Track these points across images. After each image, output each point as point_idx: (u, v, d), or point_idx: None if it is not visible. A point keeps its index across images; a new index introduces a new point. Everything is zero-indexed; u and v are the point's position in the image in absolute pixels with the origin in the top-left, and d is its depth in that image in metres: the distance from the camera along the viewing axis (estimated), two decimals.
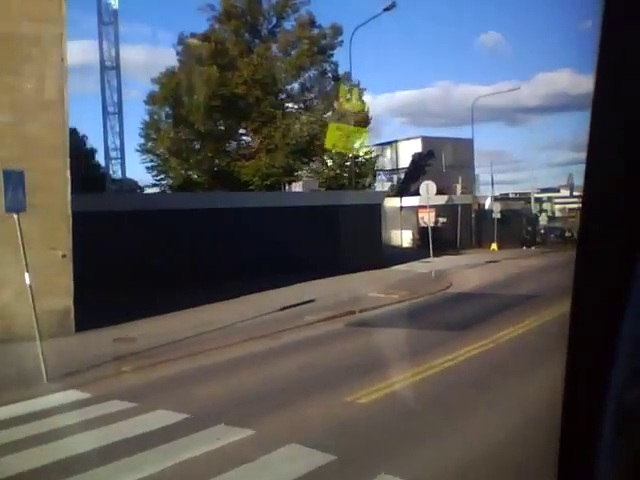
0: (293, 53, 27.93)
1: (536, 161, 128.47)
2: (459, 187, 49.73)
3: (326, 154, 26.64)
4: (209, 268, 16.68)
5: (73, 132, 39.77)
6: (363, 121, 30.14)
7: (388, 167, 55.63)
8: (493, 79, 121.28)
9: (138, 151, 37.27)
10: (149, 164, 35.84)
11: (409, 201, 35.71)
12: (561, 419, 0.85)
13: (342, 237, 21.43)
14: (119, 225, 16.35)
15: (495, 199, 37.94)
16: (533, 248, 38.52)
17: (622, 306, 0.75)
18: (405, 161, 54.17)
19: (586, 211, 0.83)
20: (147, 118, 34.05)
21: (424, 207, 34.82)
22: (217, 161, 30.67)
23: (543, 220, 49.76)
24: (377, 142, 57.05)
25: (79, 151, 36.53)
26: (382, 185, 23.52)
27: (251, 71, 26.21)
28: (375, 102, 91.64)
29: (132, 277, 14.94)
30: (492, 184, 73.51)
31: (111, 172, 39.92)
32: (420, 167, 43.38)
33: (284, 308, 12.98)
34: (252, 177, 28.84)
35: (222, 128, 29.41)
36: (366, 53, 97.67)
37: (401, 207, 35.54)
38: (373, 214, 23.08)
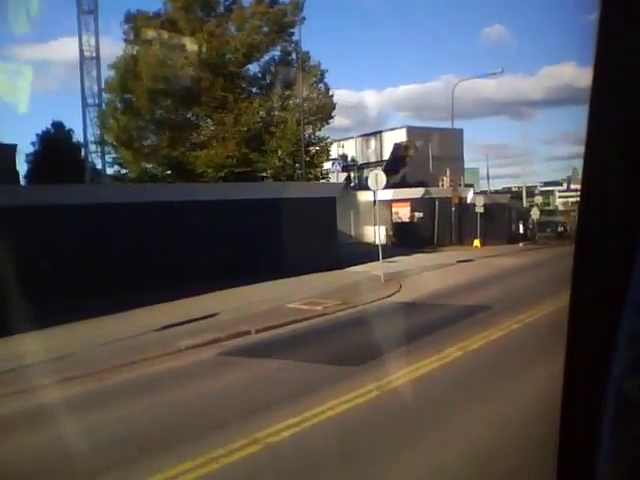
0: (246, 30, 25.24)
1: (540, 154, 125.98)
2: (446, 179, 47.19)
3: (275, 141, 24.04)
4: (102, 273, 14.12)
5: (59, 125, 37.70)
6: (327, 107, 27.55)
7: (372, 159, 52.99)
8: (497, 72, 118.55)
9: (93, 143, 34.85)
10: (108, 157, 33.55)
11: (383, 194, 33.00)
12: (561, 410, 0.85)
13: (289, 235, 18.90)
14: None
15: (478, 192, 35.21)
16: (521, 244, 35.95)
17: (620, 299, 0.75)
18: (389, 153, 51.54)
19: (585, 206, 0.84)
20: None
21: (399, 201, 32.25)
22: (170, 151, 28.08)
23: (535, 214, 47.06)
24: (361, 133, 54.61)
25: (63, 144, 34.33)
26: (337, 176, 20.98)
27: (198, 51, 23.61)
28: (379, 97, 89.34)
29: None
30: (488, 178, 70.96)
31: (90, 164, 37.63)
32: (400, 158, 40.69)
33: (166, 327, 10.46)
34: (206, 168, 26.29)
35: (172, 116, 26.82)
36: (369, 48, 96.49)
37: (375, 201, 32.84)
38: (327, 208, 20.53)
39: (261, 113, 23.87)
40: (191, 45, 23.82)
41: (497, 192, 59.08)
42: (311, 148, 22.93)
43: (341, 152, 56.23)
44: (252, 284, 15.48)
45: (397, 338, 9.54)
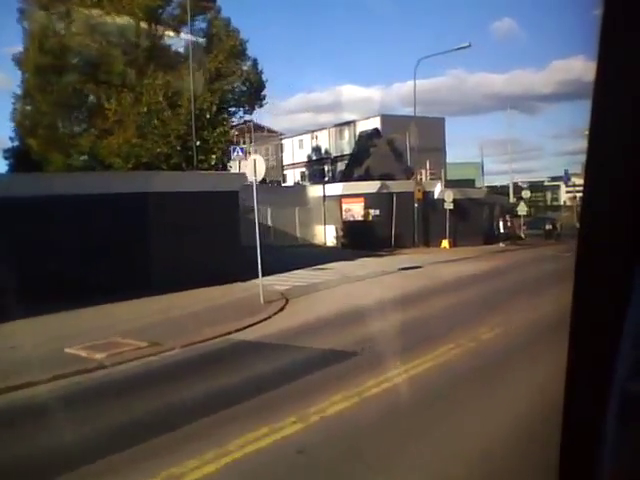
0: None
1: (549, 149, 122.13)
2: (424, 172, 43.00)
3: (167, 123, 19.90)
4: None
5: None
6: (254, 84, 23.43)
7: (347, 151, 48.78)
8: (507, 67, 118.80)
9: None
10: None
11: (333, 189, 28.89)
12: (563, 410, 0.85)
13: (164, 240, 14.87)
14: None
15: (447, 186, 30.98)
16: (501, 244, 31.67)
17: (624, 300, 0.75)
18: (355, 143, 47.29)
19: (587, 202, 0.82)
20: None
21: (351, 197, 28.08)
22: (79, 139, 24.00)
23: (522, 211, 42.74)
24: (336, 123, 50.35)
25: None
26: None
27: (85, 16, 19.56)
28: (386, 92, 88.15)
29: None
30: (482, 173, 66.53)
31: None
32: (365, 149, 36.43)
33: None
34: (115, 157, 22.23)
35: (72, 97, 22.74)
36: (376, 43, 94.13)
37: (324, 196, 28.71)
38: (225, 206, 16.45)
39: (165, 91, 19.85)
40: (79, 10, 19.77)
41: (493, 188, 54.73)
42: (205, 132, 18.99)
43: (314, 144, 52.13)
44: (74, 309, 11.48)
45: (193, 409, 5.66)
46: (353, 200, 27.43)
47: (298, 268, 18.94)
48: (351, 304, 12.36)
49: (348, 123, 47.57)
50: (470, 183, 77.25)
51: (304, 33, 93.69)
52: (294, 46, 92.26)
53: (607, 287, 0.82)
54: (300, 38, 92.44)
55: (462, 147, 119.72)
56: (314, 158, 50.72)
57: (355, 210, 27.61)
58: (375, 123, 45.30)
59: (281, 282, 16.08)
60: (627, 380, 0.75)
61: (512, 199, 46.26)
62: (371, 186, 28.47)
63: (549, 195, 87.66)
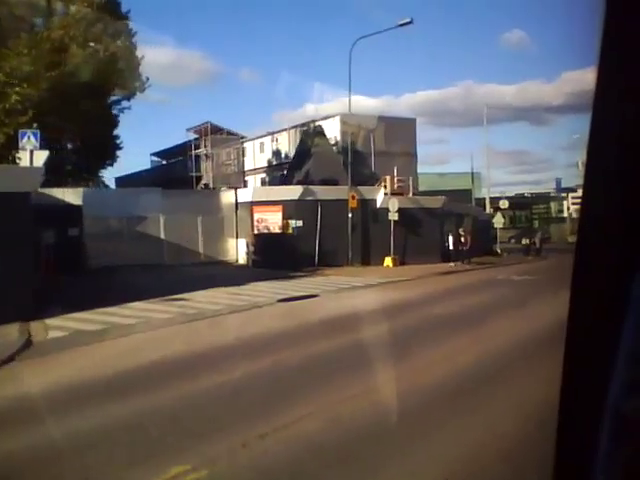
0: None
1: (559, 161, 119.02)
2: (389, 180, 38.24)
3: None
4: None
5: None
6: (129, 61, 18.68)
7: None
8: (517, 78, 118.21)
9: None
10: None
11: (244, 195, 24.06)
12: (557, 429, 0.85)
13: None
14: None
15: (393, 194, 26.18)
16: (452, 264, 26.53)
17: (619, 317, 0.75)
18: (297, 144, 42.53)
19: (585, 214, 0.83)
20: None
21: (265, 204, 23.25)
22: None
23: (498, 223, 37.87)
24: (294, 124, 45.65)
25: None
26: (37, 158, 12.38)
27: None
28: (396, 102, 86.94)
29: None
30: (472, 180, 61.76)
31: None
32: (307, 151, 31.61)
33: None
34: None
35: None
36: (386, 54, 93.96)
37: (236, 203, 23.83)
38: (9, 214, 11.79)
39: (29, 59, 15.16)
40: None
41: (478, 199, 49.78)
42: None
43: (275, 147, 47.48)
44: None
45: None
46: (268, 208, 22.64)
47: (142, 299, 14.19)
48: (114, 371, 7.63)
49: (308, 123, 42.84)
50: (466, 194, 72.72)
51: (311, 43, 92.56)
52: (301, 56, 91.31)
53: (602, 306, 0.80)
54: (308, 48, 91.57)
55: (469, 159, 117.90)
56: (274, 162, 46.06)
57: (271, 220, 22.81)
58: (335, 124, 40.62)
59: (72, 323, 11.35)
60: (620, 399, 0.73)
61: (488, 209, 41.22)
62: (292, 192, 23.68)
63: (553, 207, 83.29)
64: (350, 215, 24.21)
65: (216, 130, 51.04)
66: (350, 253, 24.25)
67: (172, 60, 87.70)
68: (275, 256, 21.97)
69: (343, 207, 24.16)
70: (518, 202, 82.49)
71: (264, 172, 47.71)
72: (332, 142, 40.61)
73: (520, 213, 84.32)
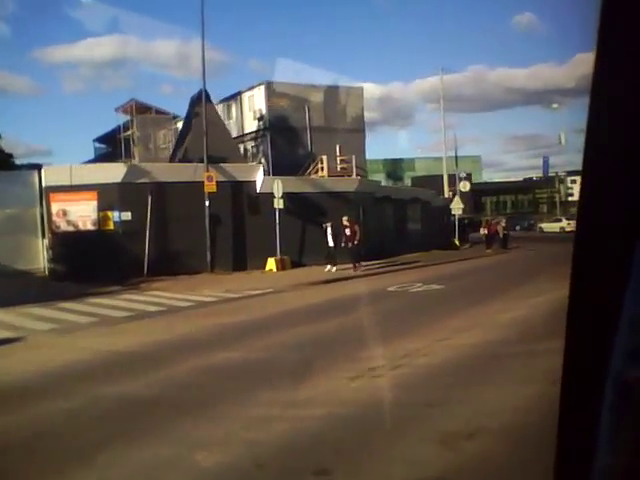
0: None
1: (572, 144, 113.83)
2: (325, 161, 31.97)
3: None
4: None
5: None
6: None
7: (234, 133, 37.51)
8: (529, 61, 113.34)
9: None
10: None
11: (55, 176, 17.24)
12: (560, 403, 0.86)
13: None
14: None
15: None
16: (329, 268, 19.50)
17: (621, 289, 0.76)
18: (251, 123, 35.93)
19: (585, 199, 0.84)
20: None
21: (68, 190, 16.66)
22: None
23: (456, 209, 31.25)
24: (222, 97, 39.00)
25: None
26: None
27: None
28: (406, 88, 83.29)
29: None
30: (456, 163, 54.97)
31: None
32: (194, 125, 24.83)
33: None
34: None
35: None
36: (396, 39, 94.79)
37: (40, 190, 17.14)
38: None
39: None
40: None
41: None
42: None
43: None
44: None
45: None
46: (76, 196, 16.14)
47: None
48: None
49: (234, 96, 36.27)
50: (467, 178, 65.80)
51: (322, 30, 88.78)
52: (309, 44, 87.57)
53: (604, 278, 0.81)
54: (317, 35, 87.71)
55: (480, 144, 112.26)
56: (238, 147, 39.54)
57: (79, 213, 16.36)
58: (259, 94, 34.03)
59: None
60: (622, 367, 0.73)
61: (447, 194, 34.46)
62: (114, 172, 17.15)
63: (562, 190, 76.88)
64: (208, 203, 17.71)
65: (143, 109, 44.50)
66: (209, 255, 17.79)
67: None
68: (86, 264, 15.60)
69: (200, 192, 17.71)
70: (522, 186, 75.79)
71: None
72: (257, 115, 34.15)
73: (523, 197, 78.04)
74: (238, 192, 19.01)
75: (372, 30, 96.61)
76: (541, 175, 74.27)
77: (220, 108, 37.73)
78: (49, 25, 73.88)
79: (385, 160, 70.58)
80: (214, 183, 17.58)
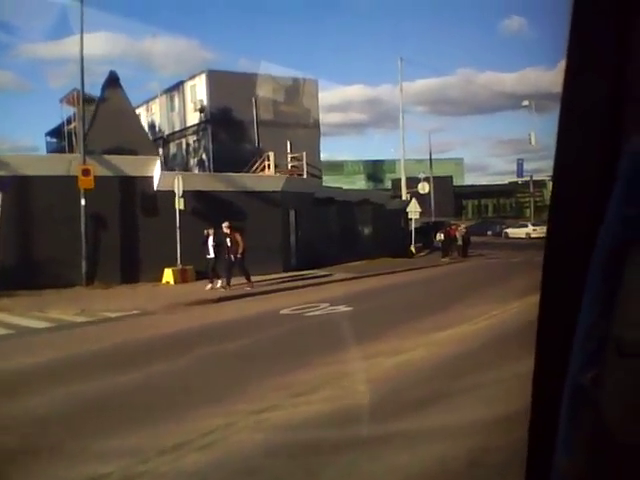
0: None
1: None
2: (272, 157, 29.04)
3: None
4: None
5: None
6: None
7: (177, 126, 34.47)
8: (517, 65, 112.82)
9: None
10: None
11: None
12: (530, 410, 0.87)
13: None
14: None
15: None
16: (212, 285, 16.52)
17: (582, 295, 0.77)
18: (193, 115, 32.86)
19: (555, 203, 0.84)
20: None
21: None
22: None
23: (413, 213, 28.47)
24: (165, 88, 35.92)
25: None
26: None
27: None
28: (395, 91, 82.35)
29: None
30: (430, 164, 52.70)
31: None
32: (103, 116, 21.73)
33: None
34: None
35: None
36: (383, 40, 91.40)
37: None
38: None
39: None
40: None
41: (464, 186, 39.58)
42: None
43: (150, 119, 37.83)
44: None
45: None
46: None
47: None
48: None
49: (177, 86, 33.20)
50: (448, 180, 63.12)
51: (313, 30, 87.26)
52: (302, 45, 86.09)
53: (570, 288, 0.80)
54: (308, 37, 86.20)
55: (467, 147, 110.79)
56: (150, 138, 36.39)
57: None
58: (200, 83, 30.98)
59: None
60: (578, 374, 0.75)
61: (404, 196, 31.63)
62: None
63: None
64: (84, 202, 14.69)
65: (89, 100, 41.22)
66: (84, 265, 14.76)
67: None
68: None
69: (78, 189, 14.69)
70: (505, 189, 73.67)
71: None
72: (197, 107, 31.12)
73: (505, 201, 75.99)
74: (130, 189, 15.99)
75: (360, 32, 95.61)
76: (527, 179, 72.48)
77: (163, 99, 34.79)
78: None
79: (366, 162, 68.03)
80: (91, 178, 14.54)
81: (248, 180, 18.75)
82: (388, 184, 59.56)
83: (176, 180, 15.95)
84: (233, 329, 9.97)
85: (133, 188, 16.03)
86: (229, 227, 14.22)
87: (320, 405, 5.78)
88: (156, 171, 16.37)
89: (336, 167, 65.13)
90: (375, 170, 67.33)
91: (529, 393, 0.87)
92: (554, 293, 0.84)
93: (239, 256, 13.89)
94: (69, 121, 43.07)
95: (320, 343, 8.69)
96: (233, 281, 14.53)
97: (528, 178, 59.31)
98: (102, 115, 20.01)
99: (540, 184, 72.50)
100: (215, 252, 14.33)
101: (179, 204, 15.94)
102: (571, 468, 0.76)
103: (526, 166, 53.16)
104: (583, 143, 0.80)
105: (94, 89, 24.78)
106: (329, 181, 45.61)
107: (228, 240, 14.01)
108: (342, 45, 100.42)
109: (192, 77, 31.41)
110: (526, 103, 38.18)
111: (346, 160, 68.77)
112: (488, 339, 8.09)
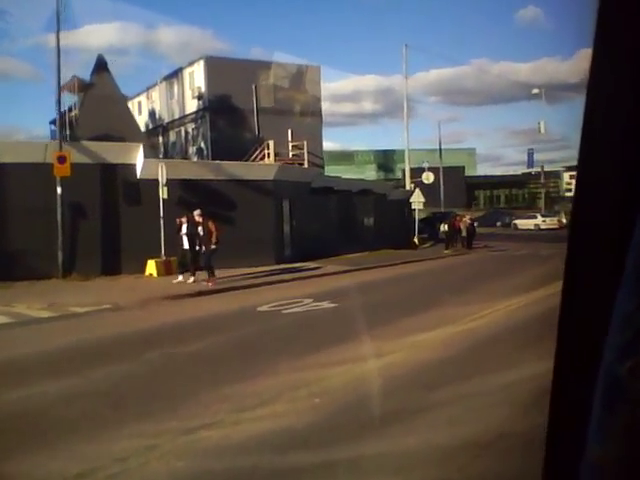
0: None
1: (576, 139, 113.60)
2: (272, 145, 28.33)
3: None
4: None
5: None
6: None
7: (177, 114, 33.70)
8: (533, 55, 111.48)
9: None
10: None
11: None
12: (550, 402, 0.86)
13: None
14: None
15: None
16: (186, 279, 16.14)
17: (613, 286, 0.75)
18: (192, 103, 32.03)
19: (580, 192, 0.83)
20: None
21: None
22: None
23: (417, 203, 27.54)
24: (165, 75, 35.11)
25: None
26: None
27: None
28: (409, 81, 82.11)
29: None
30: (440, 154, 51.67)
31: None
32: (93, 102, 21.00)
33: None
34: None
35: None
36: (396, 30, 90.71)
37: None
38: None
39: None
40: None
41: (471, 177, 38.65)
42: None
43: (150, 107, 37.13)
44: None
45: None
46: None
47: None
48: None
49: (176, 73, 32.41)
50: (459, 171, 61.92)
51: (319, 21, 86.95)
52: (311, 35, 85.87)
53: (597, 276, 0.80)
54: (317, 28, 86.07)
55: (482, 137, 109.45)
56: (150, 127, 35.76)
57: None
58: (199, 70, 30.13)
59: None
60: (614, 362, 0.72)
61: (408, 186, 30.66)
62: None
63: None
64: (60, 190, 13.98)
65: (86, 86, 40.59)
66: (61, 255, 14.08)
67: None
68: None
69: (54, 177, 13.99)
70: (517, 180, 72.29)
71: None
72: (195, 94, 30.31)
73: (517, 192, 74.71)
74: (111, 177, 15.25)
75: (374, 23, 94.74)
76: (539, 169, 70.97)
77: (163, 87, 34.05)
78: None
79: (376, 152, 67.02)
80: (67, 165, 13.81)
81: (238, 168, 17.92)
82: (399, 174, 58.60)
83: (160, 168, 15.17)
84: (197, 328, 9.18)
85: (114, 176, 15.29)
86: (201, 215, 13.30)
87: (265, 423, 4.99)
88: (139, 158, 15.60)
89: (347, 157, 64.23)
90: (386, 160, 66.26)
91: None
92: (579, 283, 0.82)
93: (213, 247, 12.95)
94: (70, 109, 42.59)
95: (290, 345, 7.93)
96: (217, 274, 13.75)
97: (539, 169, 57.92)
98: (89, 101, 19.28)
99: (554, 175, 71.09)
100: (189, 242, 13.48)
101: (163, 193, 15.18)
102: (605, 458, 0.73)
103: (540, 157, 51.84)
104: (610, 131, 0.78)
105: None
106: (340, 171, 44.76)
107: (200, 229, 13.09)
108: (354, 35, 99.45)
109: (191, 64, 30.57)
110: (536, 91, 36.84)
111: (357, 150, 67.79)
112: (471, 343, 7.27)
